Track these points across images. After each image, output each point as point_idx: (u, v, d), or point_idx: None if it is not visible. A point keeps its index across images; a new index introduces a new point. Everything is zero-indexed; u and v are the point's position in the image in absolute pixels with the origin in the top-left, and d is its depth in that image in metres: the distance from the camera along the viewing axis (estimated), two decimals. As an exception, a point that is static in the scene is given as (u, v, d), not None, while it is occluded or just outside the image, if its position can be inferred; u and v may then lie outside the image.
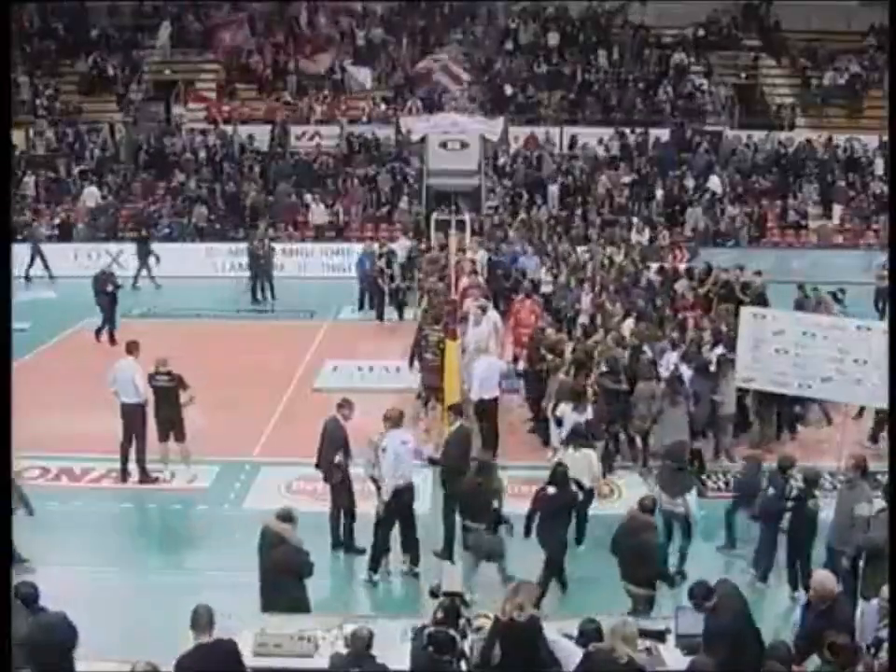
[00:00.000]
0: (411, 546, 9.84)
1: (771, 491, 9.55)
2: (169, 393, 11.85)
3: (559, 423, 11.35)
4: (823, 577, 7.27)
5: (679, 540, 9.89)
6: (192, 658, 6.38)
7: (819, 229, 25.10)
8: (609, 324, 14.03)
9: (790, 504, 9.35)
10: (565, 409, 11.30)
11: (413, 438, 9.84)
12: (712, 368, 12.44)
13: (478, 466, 9.66)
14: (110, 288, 17.71)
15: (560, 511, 9.23)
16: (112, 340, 17.11)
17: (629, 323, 14.06)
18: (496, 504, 9.40)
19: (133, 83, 28.78)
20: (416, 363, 13.85)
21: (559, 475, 9.25)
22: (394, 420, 9.71)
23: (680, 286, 16.73)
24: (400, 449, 9.50)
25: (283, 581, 8.02)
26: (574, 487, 9.53)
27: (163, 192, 25.96)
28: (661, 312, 15.25)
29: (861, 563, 8.61)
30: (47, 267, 23.10)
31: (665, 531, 9.74)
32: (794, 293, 16.22)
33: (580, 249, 20.37)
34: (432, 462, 10.07)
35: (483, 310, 14.14)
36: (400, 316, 19.38)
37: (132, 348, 12.03)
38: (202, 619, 6.49)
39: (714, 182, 25.77)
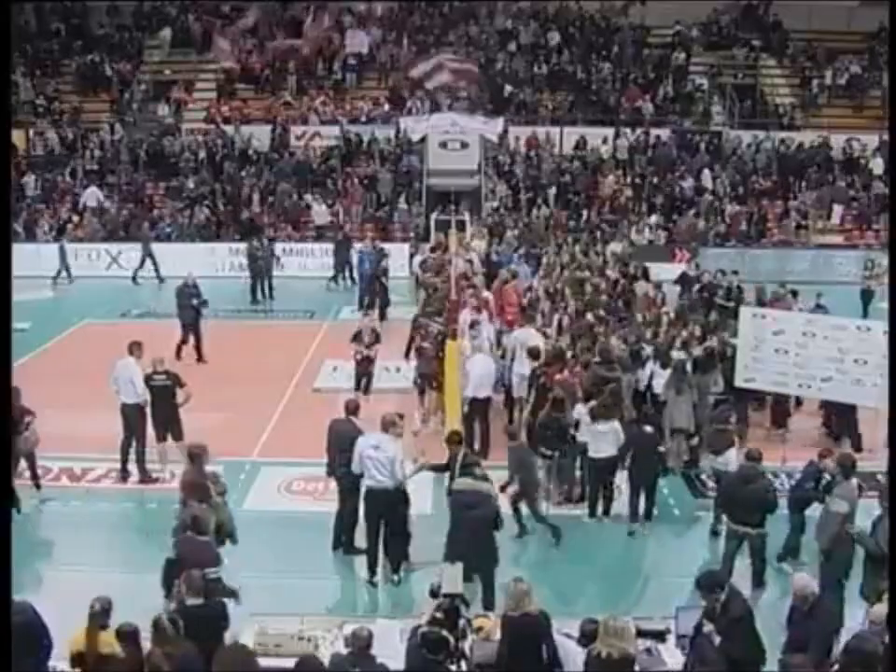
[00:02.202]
0: (391, 550, 9.75)
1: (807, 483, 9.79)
2: (166, 392, 11.86)
3: (576, 425, 11.32)
4: (802, 579, 7.25)
5: None
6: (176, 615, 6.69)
7: (783, 229, 25.15)
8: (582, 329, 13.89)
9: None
10: (581, 410, 11.30)
11: (392, 446, 9.51)
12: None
13: (552, 402, 11.01)
14: (195, 303, 16.67)
15: (654, 448, 10.88)
16: (200, 356, 16.43)
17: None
18: (571, 432, 10.99)
19: (133, 83, 28.81)
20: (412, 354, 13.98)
21: (653, 416, 11.19)
22: (383, 424, 9.70)
23: (640, 287, 16.65)
24: (368, 451, 9.44)
25: (483, 536, 8.72)
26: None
27: (164, 192, 26.01)
28: (623, 312, 15.14)
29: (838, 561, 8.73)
30: (157, 269, 22.73)
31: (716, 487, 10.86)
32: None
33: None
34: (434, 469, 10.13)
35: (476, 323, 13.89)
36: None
37: (133, 349, 12.00)
38: (193, 582, 6.87)
39: (705, 176, 25.85)
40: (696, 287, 17.23)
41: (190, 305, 16.59)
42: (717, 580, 7.21)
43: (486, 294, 15.70)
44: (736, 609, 6.99)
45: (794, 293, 15.69)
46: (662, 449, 11.32)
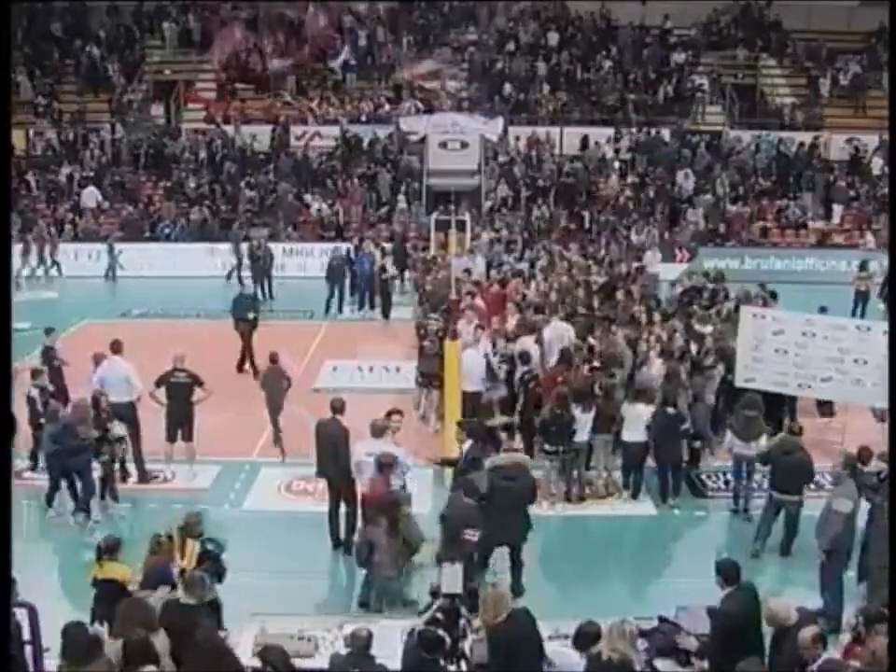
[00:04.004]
0: None
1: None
2: (185, 390, 11.82)
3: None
4: (774, 605, 6.85)
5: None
6: (167, 609, 6.96)
7: (750, 230, 25.11)
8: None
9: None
10: (580, 415, 11.34)
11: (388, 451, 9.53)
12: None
13: (555, 399, 11.13)
14: (251, 315, 15.87)
15: (676, 429, 11.22)
16: (255, 372, 15.30)
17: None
18: (574, 428, 11.15)
19: (133, 83, 28.79)
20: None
21: (673, 397, 11.35)
22: (373, 430, 9.75)
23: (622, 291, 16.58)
24: (363, 458, 9.50)
25: (524, 507, 9.15)
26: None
27: (164, 192, 26.01)
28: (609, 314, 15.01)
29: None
30: (241, 270, 22.23)
31: (736, 471, 11.22)
32: (795, 293, 16.23)
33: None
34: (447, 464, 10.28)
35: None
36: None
37: (117, 348, 11.94)
38: (193, 582, 7.04)
39: (686, 175, 25.90)
40: (678, 290, 17.02)
41: (246, 318, 15.86)
42: (735, 573, 7.16)
43: (479, 301, 15.43)
44: (735, 605, 6.99)
45: (773, 294, 15.45)
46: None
